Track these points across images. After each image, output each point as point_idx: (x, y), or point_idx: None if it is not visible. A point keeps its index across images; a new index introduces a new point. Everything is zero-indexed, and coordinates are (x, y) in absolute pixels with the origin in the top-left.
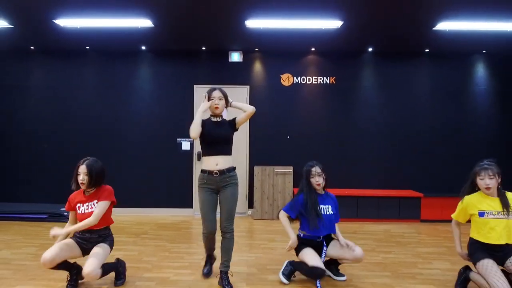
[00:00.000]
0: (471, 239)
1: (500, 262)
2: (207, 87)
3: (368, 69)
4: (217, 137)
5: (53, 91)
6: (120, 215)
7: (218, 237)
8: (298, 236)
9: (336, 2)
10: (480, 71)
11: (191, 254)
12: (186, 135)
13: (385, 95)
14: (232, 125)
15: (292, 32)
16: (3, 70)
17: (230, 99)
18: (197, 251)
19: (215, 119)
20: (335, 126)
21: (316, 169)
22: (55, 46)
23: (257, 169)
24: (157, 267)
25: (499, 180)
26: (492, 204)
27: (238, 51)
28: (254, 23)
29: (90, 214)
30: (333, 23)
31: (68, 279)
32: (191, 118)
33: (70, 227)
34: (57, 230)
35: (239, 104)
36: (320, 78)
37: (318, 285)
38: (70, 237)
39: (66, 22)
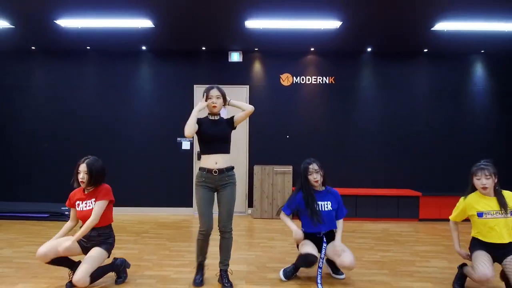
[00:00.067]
0: (473, 238)
1: (501, 260)
2: None
3: (367, 69)
4: (215, 135)
5: (53, 91)
6: (121, 214)
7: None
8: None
9: (334, 3)
10: (479, 71)
11: (191, 252)
12: None
13: (384, 95)
14: (230, 124)
15: (292, 32)
16: (4, 70)
17: (228, 98)
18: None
19: (212, 118)
20: (334, 126)
21: (314, 166)
22: (56, 46)
23: (256, 168)
24: (158, 265)
25: (496, 180)
26: (490, 204)
27: (238, 51)
28: (253, 23)
29: (88, 211)
30: (332, 24)
31: (71, 277)
32: None
33: (76, 235)
34: (66, 243)
35: (237, 102)
36: (320, 78)
37: (320, 286)
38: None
39: (67, 22)
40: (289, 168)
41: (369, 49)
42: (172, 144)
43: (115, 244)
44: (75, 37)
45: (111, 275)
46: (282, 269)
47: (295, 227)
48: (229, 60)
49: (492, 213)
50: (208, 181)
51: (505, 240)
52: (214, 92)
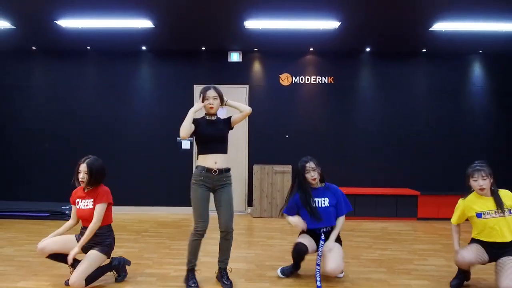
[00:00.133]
0: (472, 239)
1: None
2: None
3: (366, 69)
4: (213, 136)
5: (54, 91)
6: (121, 213)
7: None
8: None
9: (333, 3)
10: (477, 70)
11: None
12: None
13: (382, 94)
14: (227, 124)
15: (291, 32)
16: (5, 70)
17: (225, 98)
18: None
19: (209, 118)
20: (333, 125)
21: (311, 165)
22: (56, 46)
23: (256, 167)
24: (158, 263)
25: (492, 180)
26: (487, 204)
27: (238, 51)
28: (253, 23)
29: (86, 211)
30: (330, 24)
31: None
32: None
33: (81, 241)
34: (74, 250)
35: (235, 103)
36: (319, 78)
37: (318, 283)
38: (76, 234)
39: (68, 23)
40: (288, 168)
41: (368, 49)
42: (172, 143)
43: (115, 244)
44: (76, 37)
45: (112, 273)
46: (280, 268)
47: (295, 219)
48: (229, 60)
49: (490, 213)
50: (207, 181)
51: (507, 238)
52: (211, 93)
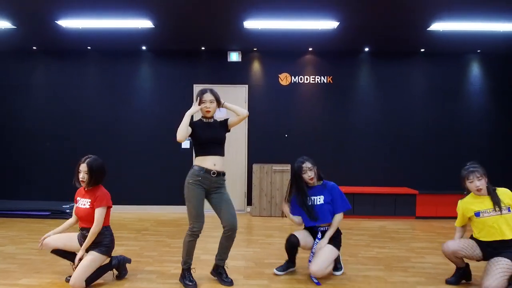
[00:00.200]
0: (471, 237)
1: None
2: (207, 87)
3: (365, 69)
4: (211, 138)
5: (54, 91)
6: (122, 212)
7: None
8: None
9: (331, 4)
10: (475, 70)
11: None
12: None
13: (381, 94)
14: (224, 126)
15: (290, 32)
16: (6, 70)
17: (222, 100)
18: (196, 245)
19: (206, 120)
20: (332, 125)
21: (307, 165)
22: (57, 46)
23: (255, 167)
24: (158, 261)
25: (487, 179)
26: (485, 202)
27: (237, 51)
28: (252, 23)
29: (83, 210)
30: (329, 24)
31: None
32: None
33: (84, 244)
34: (79, 255)
35: (231, 106)
36: (318, 78)
37: (314, 279)
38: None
39: (68, 23)
40: (288, 167)
41: (366, 49)
42: (172, 143)
43: (115, 243)
44: (76, 37)
45: (112, 271)
46: (275, 268)
47: (296, 219)
48: (228, 60)
49: (488, 211)
50: (204, 181)
51: (507, 236)
52: (208, 97)
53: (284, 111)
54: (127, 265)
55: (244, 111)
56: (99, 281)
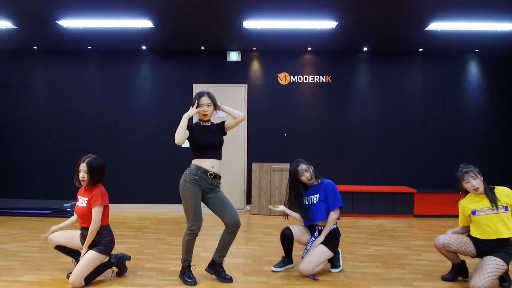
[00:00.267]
0: (469, 236)
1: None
2: (207, 86)
3: (364, 68)
4: (209, 142)
5: (55, 90)
6: (122, 211)
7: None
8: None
9: (330, 4)
10: (473, 69)
11: None
12: None
13: (380, 93)
14: (221, 129)
15: (289, 32)
16: (7, 69)
17: (218, 103)
18: (196, 243)
19: (203, 124)
20: (331, 124)
21: (302, 167)
22: (58, 46)
23: (255, 166)
24: (158, 258)
25: (482, 178)
26: (482, 201)
27: (237, 50)
28: (251, 23)
29: (80, 208)
30: (328, 24)
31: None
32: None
33: (85, 243)
34: (83, 254)
35: (228, 109)
36: (317, 77)
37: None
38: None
39: (69, 23)
40: (287, 166)
41: (365, 49)
42: (171, 142)
43: (116, 240)
44: (76, 37)
45: (112, 268)
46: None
47: (297, 216)
48: (228, 60)
49: (484, 210)
50: (200, 181)
51: (503, 235)
52: (205, 100)
53: (283, 110)
54: (127, 262)
55: (240, 114)
56: (100, 278)
